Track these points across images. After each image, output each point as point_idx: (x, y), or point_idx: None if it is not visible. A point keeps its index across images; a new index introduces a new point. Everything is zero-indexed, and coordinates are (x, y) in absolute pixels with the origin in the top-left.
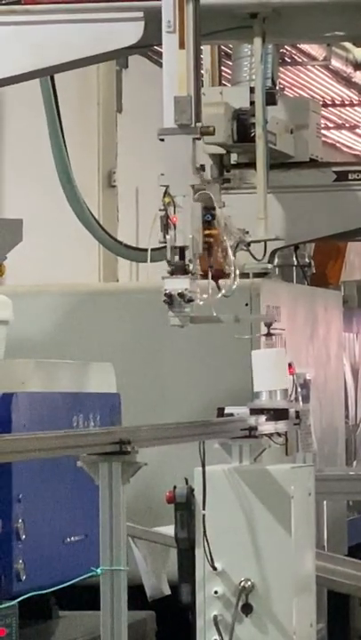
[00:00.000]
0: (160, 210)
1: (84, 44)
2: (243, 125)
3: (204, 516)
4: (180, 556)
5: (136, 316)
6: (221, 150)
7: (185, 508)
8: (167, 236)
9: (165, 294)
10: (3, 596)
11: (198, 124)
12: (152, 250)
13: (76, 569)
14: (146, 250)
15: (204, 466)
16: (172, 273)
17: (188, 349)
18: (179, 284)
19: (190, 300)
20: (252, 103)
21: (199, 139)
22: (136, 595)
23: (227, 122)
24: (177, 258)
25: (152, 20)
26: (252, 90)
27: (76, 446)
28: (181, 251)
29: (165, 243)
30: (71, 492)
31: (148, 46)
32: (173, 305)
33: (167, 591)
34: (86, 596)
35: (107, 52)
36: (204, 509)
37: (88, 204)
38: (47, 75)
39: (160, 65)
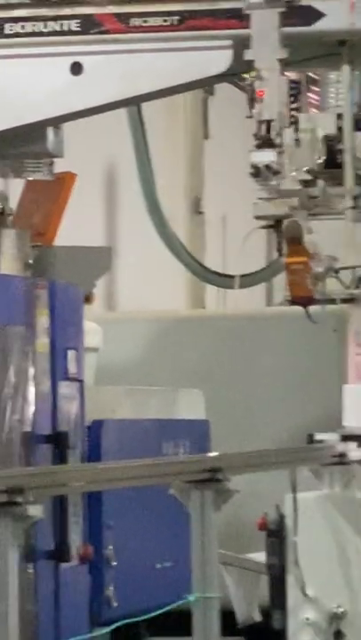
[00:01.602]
0: (247, 85)
1: (172, 72)
2: (330, 152)
3: (295, 542)
4: (272, 583)
5: (224, 342)
6: (309, 176)
7: (276, 535)
8: (253, 111)
9: (252, 166)
10: (94, 623)
11: None
12: (240, 277)
13: (167, 594)
14: (233, 276)
15: (295, 492)
16: (258, 146)
17: (277, 376)
18: (266, 157)
19: (277, 172)
20: (339, 129)
21: (285, 13)
22: (227, 620)
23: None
24: (264, 131)
25: (240, 48)
26: (339, 116)
27: (168, 474)
28: (268, 124)
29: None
30: (161, 518)
31: (237, 74)
32: (261, 177)
33: (258, 617)
34: (176, 621)
35: (195, 81)
36: (295, 536)
37: (175, 231)
38: (136, 103)
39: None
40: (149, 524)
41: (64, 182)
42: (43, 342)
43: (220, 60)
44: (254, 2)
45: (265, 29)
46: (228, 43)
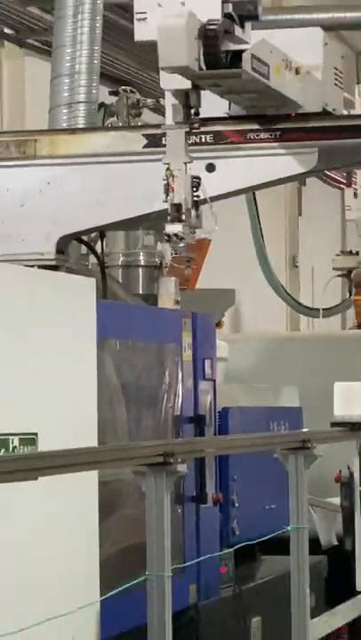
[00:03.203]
0: (163, 180)
1: (276, 169)
2: None
3: (360, 491)
4: (345, 518)
5: (313, 355)
6: None
7: (348, 485)
8: (168, 197)
9: (165, 234)
10: (223, 545)
11: (189, 121)
12: (323, 309)
13: (273, 526)
14: (318, 309)
15: (360, 456)
16: (172, 221)
17: (349, 380)
18: (176, 228)
19: (182, 239)
20: None
21: (189, 132)
22: (314, 544)
23: None
24: (175, 212)
25: (323, 152)
26: None
27: (273, 443)
28: (178, 206)
29: (168, 202)
30: (270, 474)
31: (319, 171)
32: (171, 242)
33: (335, 542)
34: (280, 544)
35: (292, 176)
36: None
37: (279, 278)
38: (251, 191)
39: (331, 185)
40: (261, 478)
41: (203, 244)
42: (187, 354)
43: (308, 161)
44: (168, 124)
45: (176, 144)
46: (315, 149)
